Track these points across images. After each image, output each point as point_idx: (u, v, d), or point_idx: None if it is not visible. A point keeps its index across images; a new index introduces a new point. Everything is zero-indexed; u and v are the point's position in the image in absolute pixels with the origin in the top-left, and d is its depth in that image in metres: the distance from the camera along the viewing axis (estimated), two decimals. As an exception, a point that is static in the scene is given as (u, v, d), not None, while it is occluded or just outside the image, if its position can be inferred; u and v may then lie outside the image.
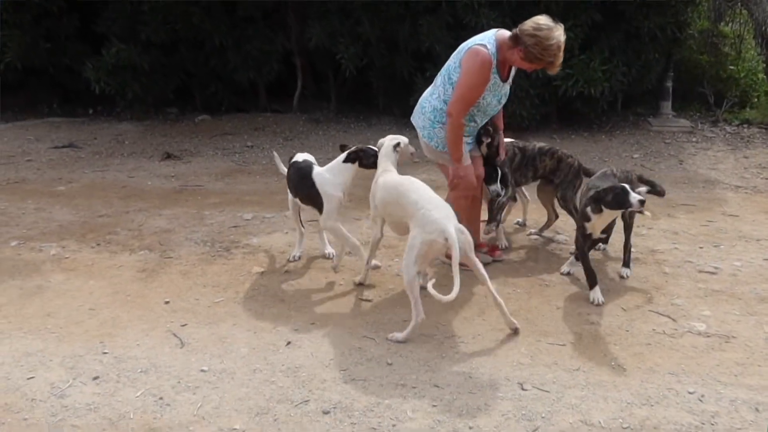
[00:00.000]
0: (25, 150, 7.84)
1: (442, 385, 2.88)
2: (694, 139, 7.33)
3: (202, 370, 3.01)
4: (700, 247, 4.38)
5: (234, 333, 3.36)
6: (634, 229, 4.15)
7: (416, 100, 4.15)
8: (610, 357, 3.10)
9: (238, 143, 8.06)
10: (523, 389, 2.85)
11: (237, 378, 2.95)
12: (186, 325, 3.46)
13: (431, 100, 3.98)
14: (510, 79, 3.92)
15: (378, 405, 2.74)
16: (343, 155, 3.91)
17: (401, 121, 8.55)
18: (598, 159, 6.69)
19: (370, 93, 9.08)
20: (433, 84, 4.05)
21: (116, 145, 8.06)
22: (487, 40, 3.70)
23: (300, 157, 4.20)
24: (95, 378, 2.96)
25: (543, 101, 7.32)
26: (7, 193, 5.96)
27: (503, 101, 3.98)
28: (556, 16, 3.66)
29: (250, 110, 9.48)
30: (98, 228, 5.00)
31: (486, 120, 3.99)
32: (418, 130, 4.08)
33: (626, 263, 4.00)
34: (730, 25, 9.01)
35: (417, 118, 4.08)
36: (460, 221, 3.60)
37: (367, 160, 3.85)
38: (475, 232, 4.33)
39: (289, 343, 3.25)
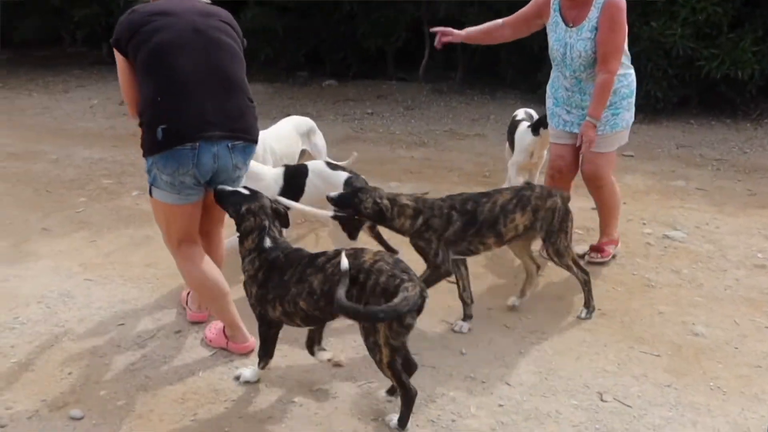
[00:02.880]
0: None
1: (514, 384, 2.72)
2: None
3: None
4: None
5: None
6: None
7: (545, 75, 3.82)
8: (710, 376, 2.79)
9: (359, 110, 8.09)
10: (602, 400, 2.63)
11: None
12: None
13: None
14: (581, 28, 3.42)
15: (442, 396, 2.63)
16: None
17: (527, 96, 8.19)
18: (737, 149, 6.03)
19: (499, 66, 8.77)
20: None
21: (244, 105, 8.36)
22: None
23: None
24: (177, 332, 3.08)
25: (682, 82, 6.67)
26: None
27: (569, 54, 3.46)
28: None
29: (376, 77, 9.48)
30: (211, 185, 5.20)
31: (567, 81, 3.56)
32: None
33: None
34: None
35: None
36: None
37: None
38: None
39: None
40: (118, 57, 2.73)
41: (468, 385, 2.70)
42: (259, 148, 3.59)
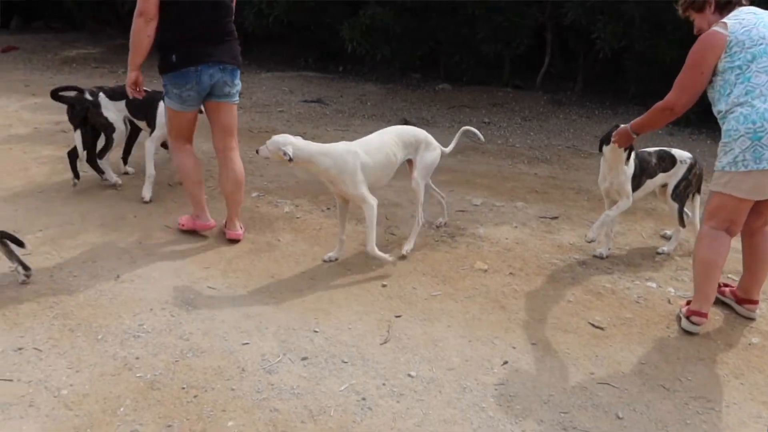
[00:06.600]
0: (278, 101, 8.33)
1: (684, 463, 2.37)
2: None
3: (410, 375, 2.80)
4: None
5: (447, 337, 3.12)
6: None
7: None
8: None
9: (475, 118, 7.79)
10: (792, 496, 2.25)
11: (444, 393, 2.69)
12: (400, 316, 3.28)
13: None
14: None
15: (600, 470, 2.32)
16: None
17: (657, 114, 7.67)
18: None
19: (622, 78, 8.26)
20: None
21: (359, 106, 8.23)
22: None
23: None
24: (304, 358, 2.89)
25: None
26: (257, 142, 6.26)
27: None
28: None
29: (491, 83, 9.15)
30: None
31: None
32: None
33: None
34: None
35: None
36: None
37: None
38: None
39: (505, 362, 2.93)
40: None
41: (629, 459, 2.38)
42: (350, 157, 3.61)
